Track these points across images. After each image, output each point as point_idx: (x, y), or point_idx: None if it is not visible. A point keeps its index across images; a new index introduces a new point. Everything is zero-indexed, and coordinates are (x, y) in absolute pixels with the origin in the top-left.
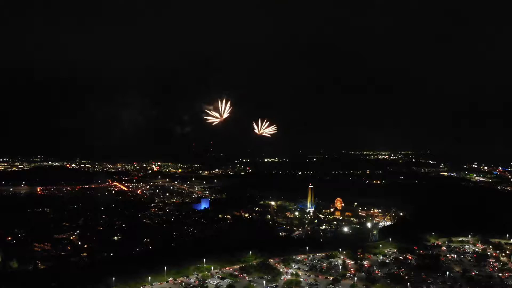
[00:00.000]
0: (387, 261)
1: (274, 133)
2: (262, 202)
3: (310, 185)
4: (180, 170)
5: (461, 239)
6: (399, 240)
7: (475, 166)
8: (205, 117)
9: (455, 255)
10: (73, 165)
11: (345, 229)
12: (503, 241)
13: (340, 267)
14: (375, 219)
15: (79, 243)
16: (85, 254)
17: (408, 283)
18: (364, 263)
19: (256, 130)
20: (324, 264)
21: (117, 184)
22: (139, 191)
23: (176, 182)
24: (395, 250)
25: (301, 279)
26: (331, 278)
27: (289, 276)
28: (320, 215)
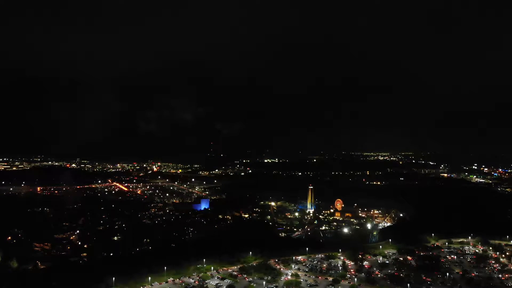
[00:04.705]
0: (387, 262)
1: None
2: (262, 202)
3: (310, 186)
4: (180, 170)
5: (461, 240)
6: (399, 241)
7: (475, 167)
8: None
9: (455, 256)
10: (73, 165)
11: (345, 230)
12: (503, 243)
13: (340, 268)
14: (375, 220)
15: (79, 243)
16: (85, 254)
17: (408, 284)
18: (364, 264)
19: None
20: (324, 265)
21: (117, 184)
22: (139, 191)
23: (176, 183)
24: (395, 251)
25: (301, 280)
26: (331, 279)
27: (289, 277)
28: (320, 216)
